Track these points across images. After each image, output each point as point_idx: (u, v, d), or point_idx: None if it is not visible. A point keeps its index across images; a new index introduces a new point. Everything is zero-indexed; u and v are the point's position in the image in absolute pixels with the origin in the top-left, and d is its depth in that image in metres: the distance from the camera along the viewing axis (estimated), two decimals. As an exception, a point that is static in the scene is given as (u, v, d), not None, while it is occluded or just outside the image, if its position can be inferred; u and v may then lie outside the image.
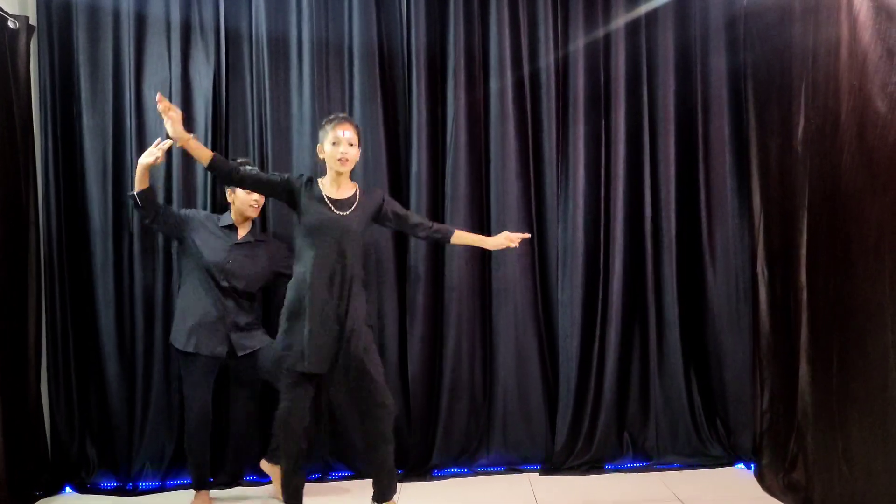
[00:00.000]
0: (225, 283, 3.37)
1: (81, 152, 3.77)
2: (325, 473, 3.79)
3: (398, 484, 3.29)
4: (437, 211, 3.83)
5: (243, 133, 3.83)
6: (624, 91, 3.85)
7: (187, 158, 3.74)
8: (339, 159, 2.97)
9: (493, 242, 3.32)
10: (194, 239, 3.42)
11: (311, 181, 3.06)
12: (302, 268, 3.00)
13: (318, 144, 3.08)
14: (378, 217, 3.16)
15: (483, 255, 3.85)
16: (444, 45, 3.84)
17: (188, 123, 3.74)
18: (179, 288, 3.54)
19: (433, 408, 3.81)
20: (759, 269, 3.61)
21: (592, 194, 3.84)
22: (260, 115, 3.80)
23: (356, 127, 3.07)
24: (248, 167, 3.09)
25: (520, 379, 3.84)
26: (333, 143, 2.98)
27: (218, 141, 3.79)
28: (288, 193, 3.04)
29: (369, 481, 3.14)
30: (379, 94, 3.79)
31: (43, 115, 3.76)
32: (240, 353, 3.39)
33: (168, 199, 3.75)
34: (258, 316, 3.62)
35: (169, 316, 3.73)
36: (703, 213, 3.85)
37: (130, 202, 3.48)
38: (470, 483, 3.69)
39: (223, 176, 3.01)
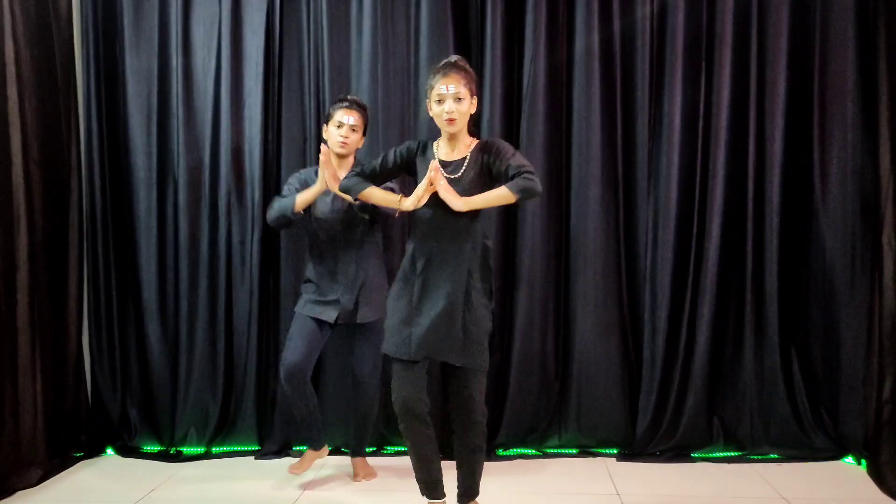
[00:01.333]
0: (336, 236, 3.03)
1: (124, 94, 3.57)
2: (380, 447, 3.54)
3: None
4: (509, 163, 3.45)
5: (298, 73, 3.53)
6: (730, 29, 3.36)
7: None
8: (447, 119, 2.43)
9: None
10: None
11: (426, 145, 2.57)
12: (410, 243, 2.54)
13: (426, 101, 2.51)
14: (490, 173, 2.50)
15: (561, 212, 3.47)
16: (523, -25, 3.42)
17: (238, 61, 3.49)
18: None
19: (501, 381, 3.47)
20: (885, 240, 3.13)
21: (689, 147, 3.40)
22: (317, 53, 3.48)
23: (464, 77, 2.44)
24: (370, 165, 2.58)
25: (598, 354, 3.46)
26: (438, 101, 2.44)
27: (270, 82, 3.50)
28: (410, 165, 2.58)
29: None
30: (450, 30, 3.42)
31: (85, 53, 3.56)
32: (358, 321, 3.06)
33: (215, 141, 3.51)
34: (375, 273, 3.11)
35: (215, 271, 3.53)
36: (817, 172, 3.36)
37: (286, 219, 3.02)
38: (539, 465, 3.36)
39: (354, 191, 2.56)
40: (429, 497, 2.59)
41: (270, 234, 3.49)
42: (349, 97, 3.08)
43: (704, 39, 3.38)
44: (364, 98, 3.41)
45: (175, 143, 3.52)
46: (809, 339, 3.45)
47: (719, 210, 3.39)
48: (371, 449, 3.47)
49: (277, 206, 3.01)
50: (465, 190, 2.42)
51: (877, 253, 3.21)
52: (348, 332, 3.14)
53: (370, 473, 3.21)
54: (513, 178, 2.37)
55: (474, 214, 2.46)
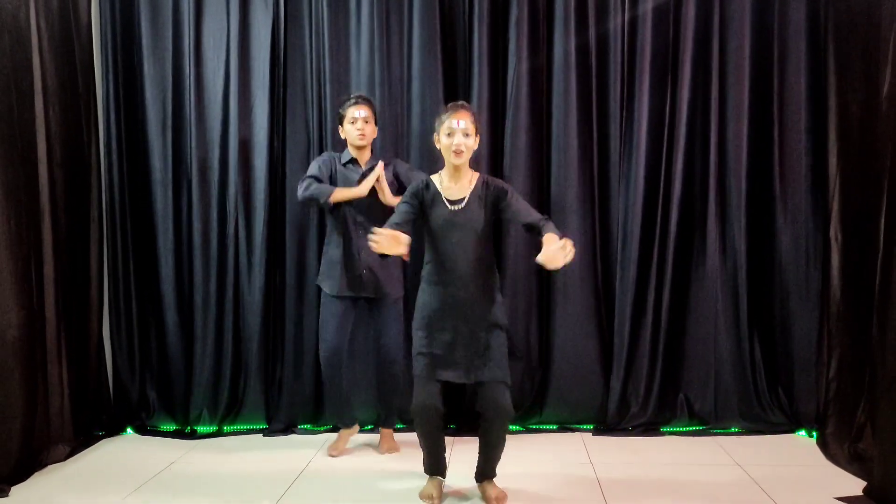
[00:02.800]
0: (360, 219, 3.26)
1: (142, 100, 3.80)
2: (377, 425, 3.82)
3: (450, 438, 3.27)
4: (495, 166, 3.75)
5: (301, 84, 3.80)
6: (692, 45, 3.66)
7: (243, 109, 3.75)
8: (455, 151, 2.68)
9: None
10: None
11: (428, 183, 2.78)
12: (427, 270, 2.80)
13: (434, 134, 2.78)
14: (497, 210, 2.78)
15: (542, 211, 3.71)
16: (507, -5, 3.70)
17: (245, 72, 3.74)
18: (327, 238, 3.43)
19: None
20: (832, 234, 3.45)
21: (655, 151, 3.70)
22: (318, 65, 3.75)
23: (472, 116, 2.74)
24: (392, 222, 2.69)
25: (576, 341, 3.76)
26: (448, 134, 2.69)
27: (275, 92, 3.76)
28: (421, 204, 2.76)
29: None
30: (439, 45, 3.70)
31: (104, 63, 3.79)
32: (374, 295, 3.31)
33: (224, 145, 3.76)
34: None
35: (224, 266, 3.78)
36: (777, 173, 3.68)
37: (317, 202, 3.27)
38: (522, 440, 3.66)
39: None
40: (431, 475, 2.93)
41: (276, 232, 3.77)
42: (354, 94, 3.36)
43: (670, 52, 3.68)
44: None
45: (188, 147, 3.77)
46: (771, 326, 3.75)
47: (677, 207, 3.69)
48: (401, 426, 3.69)
49: (315, 189, 3.20)
50: (473, 222, 2.70)
51: (826, 246, 3.54)
52: (371, 308, 3.38)
53: (393, 447, 3.40)
54: (542, 227, 2.68)
55: (489, 238, 2.77)
